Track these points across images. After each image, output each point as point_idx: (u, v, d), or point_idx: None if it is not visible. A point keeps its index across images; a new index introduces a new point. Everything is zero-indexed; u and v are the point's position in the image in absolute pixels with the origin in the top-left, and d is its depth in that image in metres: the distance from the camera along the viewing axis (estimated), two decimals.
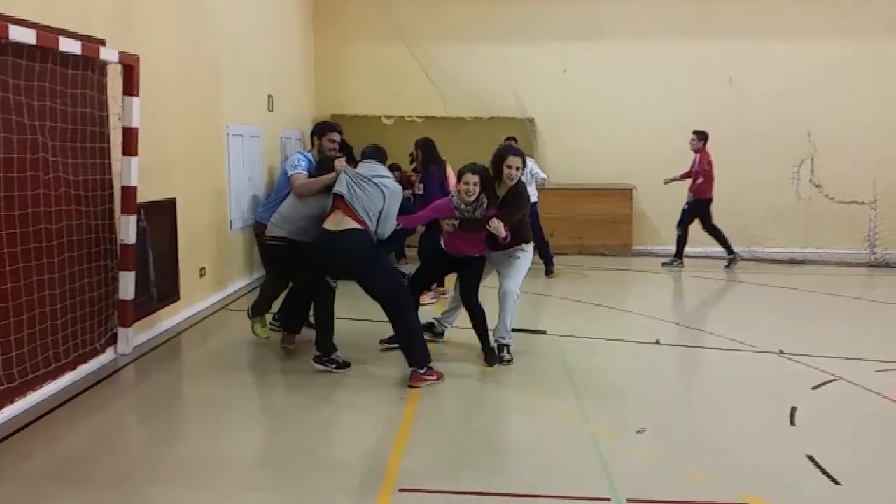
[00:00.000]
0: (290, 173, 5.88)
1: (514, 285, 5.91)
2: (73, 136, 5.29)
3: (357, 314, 6.90)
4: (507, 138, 9.49)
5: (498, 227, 5.52)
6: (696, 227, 10.69)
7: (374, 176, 5.49)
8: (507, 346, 5.99)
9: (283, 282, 6.26)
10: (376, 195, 5.40)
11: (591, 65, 12.06)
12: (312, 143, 6.32)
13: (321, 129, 6.30)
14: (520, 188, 5.82)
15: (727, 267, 10.62)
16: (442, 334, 6.45)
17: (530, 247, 6.07)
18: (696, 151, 10.48)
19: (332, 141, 6.19)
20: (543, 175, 9.45)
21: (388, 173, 5.67)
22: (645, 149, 11.62)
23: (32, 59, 4.80)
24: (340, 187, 5.44)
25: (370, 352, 6.08)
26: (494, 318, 6.00)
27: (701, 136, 10.47)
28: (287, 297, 6.23)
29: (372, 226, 5.38)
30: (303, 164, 5.90)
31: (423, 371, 5.33)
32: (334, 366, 5.55)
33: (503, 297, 5.92)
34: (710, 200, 10.49)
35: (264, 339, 6.29)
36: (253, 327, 6.31)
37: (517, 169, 5.70)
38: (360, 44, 12.26)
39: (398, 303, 5.39)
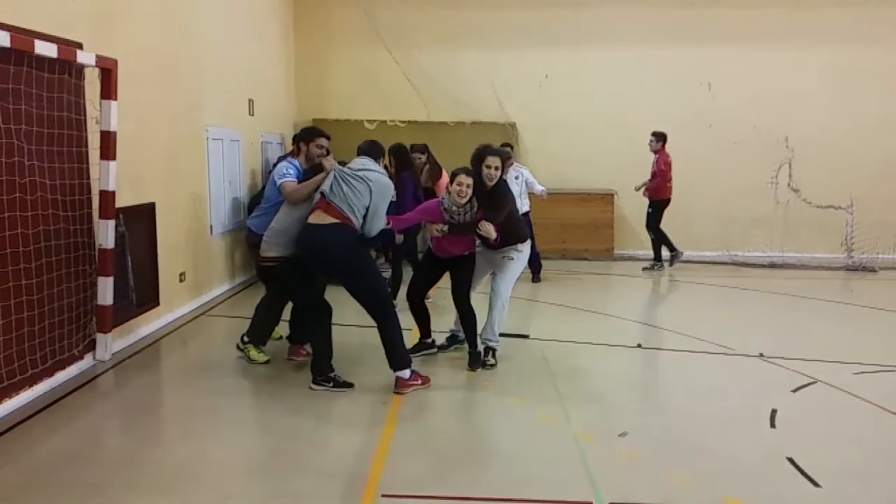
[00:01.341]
0: (279, 182, 5.61)
1: (504, 287, 5.91)
2: (49, 140, 5.23)
3: (340, 319, 6.83)
4: (503, 144, 9.51)
5: (489, 230, 5.55)
6: (671, 228, 10.86)
7: (360, 170, 5.33)
8: (493, 349, 5.98)
9: (281, 303, 6.08)
10: (363, 190, 5.23)
11: (572, 71, 12.14)
12: (298, 150, 6.01)
13: (308, 135, 5.96)
14: (502, 186, 5.82)
15: (670, 265, 10.83)
16: (464, 341, 6.31)
17: (526, 246, 6.06)
18: (655, 152, 10.60)
19: (320, 147, 5.85)
20: (541, 187, 9.42)
21: (376, 167, 5.47)
22: (625, 154, 11.67)
23: (7, 62, 4.73)
24: (325, 186, 5.28)
25: (352, 357, 6.03)
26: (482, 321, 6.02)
27: (659, 138, 10.57)
28: (292, 311, 6.07)
29: (357, 222, 5.22)
30: (291, 171, 5.67)
31: (407, 377, 5.29)
32: (331, 384, 5.33)
33: (492, 297, 5.93)
34: (667, 201, 10.62)
35: (263, 363, 5.97)
36: (248, 355, 6.02)
37: (496, 169, 5.71)
38: (342, 48, 12.24)
39: (378, 305, 5.31)
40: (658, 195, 10.58)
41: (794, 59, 11.91)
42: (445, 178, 8.35)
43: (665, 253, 10.83)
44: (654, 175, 10.55)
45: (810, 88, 11.92)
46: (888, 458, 4.39)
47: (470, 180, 5.61)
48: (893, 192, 11.77)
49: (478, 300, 6.09)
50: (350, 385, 5.37)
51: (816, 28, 11.86)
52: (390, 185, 5.49)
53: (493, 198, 5.72)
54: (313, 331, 5.52)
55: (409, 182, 7.92)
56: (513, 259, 5.95)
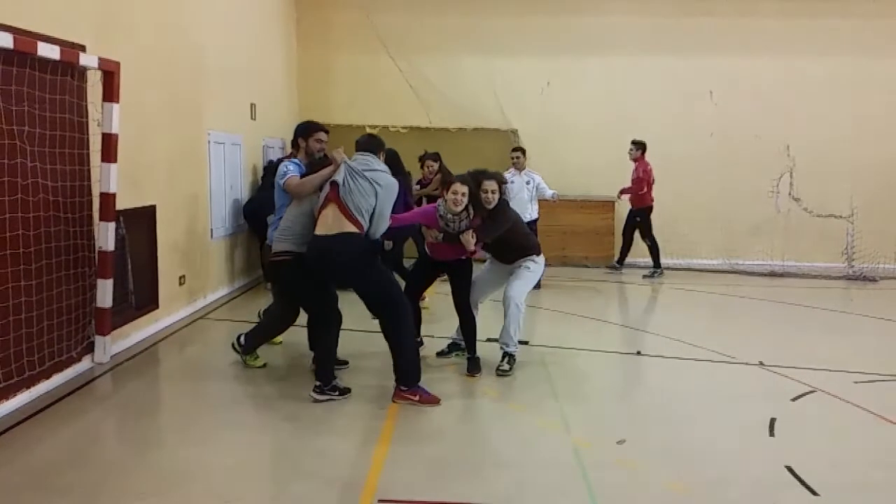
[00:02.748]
0: (281, 182, 5.42)
1: (516, 291, 5.89)
2: (51, 141, 5.23)
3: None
4: (515, 149, 9.60)
5: (468, 240, 5.57)
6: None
7: (365, 170, 5.12)
8: (511, 355, 5.92)
9: (290, 316, 5.90)
10: (368, 191, 5.05)
11: (574, 78, 12.17)
12: (297, 147, 5.81)
13: (306, 131, 5.74)
14: (502, 206, 5.80)
15: (608, 271, 11.14)
16: (465, 349, 6.23)
17: (541, 259, 6.08)
18: (635, 160, 10.66)
19: (320, 141, 5.67)
20: (550, 191, 9.46)
21: (381, 166, 5.27)
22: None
23: (10, 64, 4.74)
24: (338, 177, 5.07)
25: (351, 362, 6.01)
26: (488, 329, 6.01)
27: (639, 146, 10.72)
28: (310, 323, 5.89)
29: (365, 224, 5.06)
30: (292, 167, 5.46)
31: (405, 390, 5.16)
32: (336, 393, 5.17)
33: (505, 302, 5.91)
34: (650, 208, 10.78)
35: (260, 367, 5.91)
36: (244, 359, 5.95)
37: (492, 192, 5.69)
38: (345, 54, 12.27)
39: (390, 312, 5.12)
40: (642, 203, 10.75)
41: (795, 69, 11.95)
42: None
43: (644, 258, 11.05)
44: (634, 182, 10.65)
45: (812, 98, 11.96)
46: (887, 467, 4.37)
47: (465, 188, 5.59)
48: (894, 202, 11.79)
49: (494, 308, 6.06)
50: (348, 390, 5.29)
51: (818, 38, 11.89)
52: (395, 184, 5.27)
53: (494, 216, 5.73)
54: (319, 339, 5.37)
55: (400, 188, 7.89)
56: (529, 268, 5.98)
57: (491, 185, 5.70)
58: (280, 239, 5.33)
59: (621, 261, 11.19)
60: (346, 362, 5.91)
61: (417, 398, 5.15)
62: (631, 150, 10.71)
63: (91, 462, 4.24)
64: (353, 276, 5.13)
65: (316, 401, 5.15)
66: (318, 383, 5.20)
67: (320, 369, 5.26)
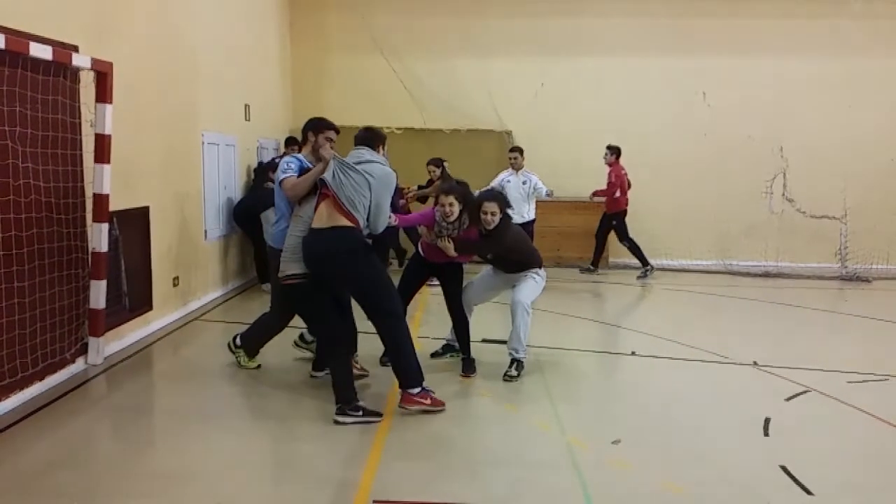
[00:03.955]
0: (279, 179, 5.23)
1: (523, 296, 5.86)
2: (44, 142, 5.21)
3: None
4: (513, 149, 9.61)
5: (447, 247, 5.61)
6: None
7: (358, 163, 4.96)
8: (520, 361, 5.86)
9: (286, 320, 5.84)
10: (361, 185, 4.87)
11: (568, 79, 12.18)
12: (305, 140, 5.53)
13: (317, 126, 5.43)
14: (503, 227, 5.76)
15: (582, 271, 11.16)
16: (459, 350, 6.21)
17: (543, 272, 6.07)
18: (609, 165, 10.69)
19: (329, 140, 5.38)
20: (547, 189, 9.49)
21: (376, 158, 5.05)
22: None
23: (2, 64, 4.72)
24: (327, 174, 4.93)
25: None
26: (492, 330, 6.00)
27: (613, 151, 10.77)
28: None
29: (362, 219, 4.90)
30: (293, 165, 5.23)
31: (415, 393, 4.98)
32: (361, 413, 4.81)
33: (513, 307, 5.87)
34: (625, 212, 10.86)
35: (254, 368, 5.90)
36: (239, 360, 5.93)
37: (492, 214, 5.66)
38: (339, 55, 12.27)
39: (385, 313, 4.96)
40: (616, 207, 10.80)
41: (788, 70, 11.98)
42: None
43: (633, 259, 11.06)
44: (608, 186, 10.75)
45: (804, 99, 12.00)
46: (881, 466, 4.40)
47: (450, 199, 5.61)
48: (887, 203, 11.84)
49: (487, 309, 6.04)
50: (379, 414, 4.90)
51: (811, 39, 11.94)
52: (391, 174, 5.08)
53: (492, 235, 5.72)
54: (333, 361, 5.03)
55: None
56: (534, 278, 5.98)
57: (491, 206, 5.67)
58: (288, 259, 5.06)
59: (595, 263, 11.18)
60: (366, 372, 5.73)
61: (429, 402, 5.00)
62: (605, 154, 10.76)
63: (85, 463, 4.22)
64: (343, 270, 4.93)
65: (343, 424, 4.77)
66: (339, 405, 4.84)
67: (340, 391, 4.88)
